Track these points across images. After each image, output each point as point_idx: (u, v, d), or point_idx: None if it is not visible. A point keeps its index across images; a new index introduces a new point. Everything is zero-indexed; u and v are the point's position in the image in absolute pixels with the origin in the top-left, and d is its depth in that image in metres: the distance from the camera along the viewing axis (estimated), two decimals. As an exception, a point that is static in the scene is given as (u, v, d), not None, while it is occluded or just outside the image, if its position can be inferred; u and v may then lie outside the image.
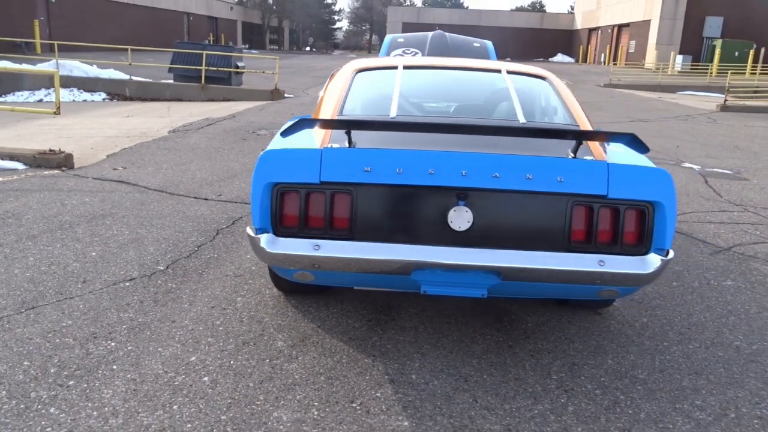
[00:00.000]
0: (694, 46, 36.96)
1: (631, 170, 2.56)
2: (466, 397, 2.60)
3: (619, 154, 2.81)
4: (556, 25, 56.86)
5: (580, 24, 54.17)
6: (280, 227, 2.61)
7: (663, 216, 2.54)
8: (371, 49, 71.24)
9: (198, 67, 16.41)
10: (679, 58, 34.27)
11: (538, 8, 73.79)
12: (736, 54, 32.34)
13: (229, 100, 16.28)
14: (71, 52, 23.34)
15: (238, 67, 17.62)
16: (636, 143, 2.51)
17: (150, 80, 16.92)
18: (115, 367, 2.69)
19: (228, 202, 5.55)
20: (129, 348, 2.86)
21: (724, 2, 36.60)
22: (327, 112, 3.21)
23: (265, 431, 2.31)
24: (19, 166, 6.83)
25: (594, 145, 2.83)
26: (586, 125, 3.14)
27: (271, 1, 63.46)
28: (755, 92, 21.20)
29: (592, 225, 2.56)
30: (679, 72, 32.55)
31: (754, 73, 26.74)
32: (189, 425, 2.31)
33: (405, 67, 3.60)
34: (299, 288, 3.43)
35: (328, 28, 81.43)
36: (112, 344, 2.89)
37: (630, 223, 2.56)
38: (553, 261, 2.51)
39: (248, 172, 6.84)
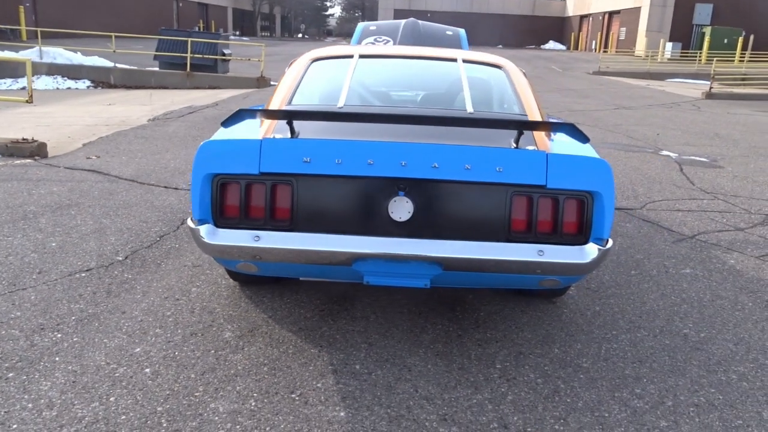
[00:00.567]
0: (683, 34, 36.94)
1: (570, 160, 2.56)
2: (407, 387, 2.61)
3: (563, 144, 2.81)
4: (547, 12, 56.69)
5: (571, 11, 54.02)
6: (221, 218, 2.61)
7: (601, 206, 2.54)
8: (363, 36, 70.71)
9: (183, 55, 16.32)
10: (669, 45, 34.24)
11: (531, -6, 73.39)
12: (726, 41, 32.33)
13: (215, 87, 16.21)
14: (60, 39, 23.19)
15: (224, 54, 17.53)
16: (575, 132, 2.51)
17: (135, 68, 16.80)
18: (57, 358, 2.69)
19: (197, 192, 5.52)
20: (74, 339, 2.86)
21: (714, -11, 36.59)
22: (276, 102, 3.20)
23: (200, 422, 2.31)
24: (-9, 155, 6.79)
25: (539, 135, 2.83)
26: (535, 115, 3.14)
27: (262, -12, 63.04)
28: (743, 80, 21.22)
29: (532, 215, 2.56)
30: (668, 59, 32.54)
31: (743, 61, 26.74)
32: (123, 417, 2.32)
33: (361, 56, 3.58)
34: (254, 279, 3.43)
35: (320, 15, 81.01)
36: (59, 336, 2.89)
37: (569, 213, 2.56)
38: (493, 251, 2.51)
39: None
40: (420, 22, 6.49)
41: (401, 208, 2.54)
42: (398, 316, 3.26)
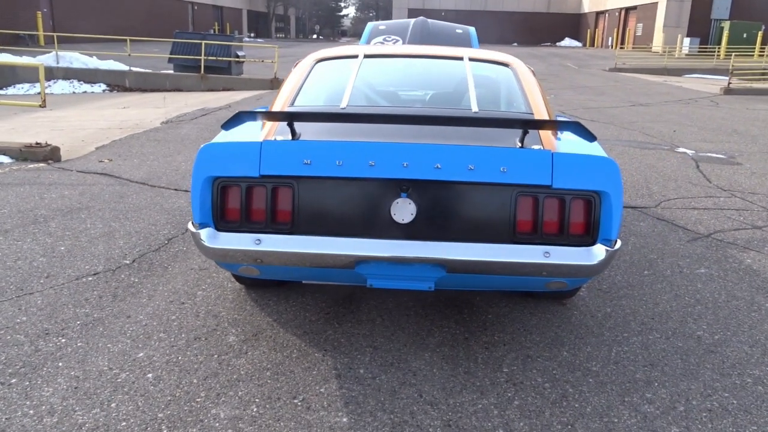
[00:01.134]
0: (701, 29, 36.44)
1: (576, 159, 2.50)
2: (412, 391, 2.56)
3: (570, 143, 2.75)
4: (563, 9, 56.23)
5: (587, 7, 53.56)
6: (222, 222, 2.58)
7: (609, 206, 2.48)
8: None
9: (197, 57, 16.39)
10: (687, 40, 33.83)
11: (546, -8, 72.91)
12: (745, 36, 31.86)
13: (228, 89, 16.26)
14: (75, 43, 23.39)
15: (238, 56, 17.58)
16: (581, 131, 2.45)
17: (150, 71, 16.92)
18: (60, 364, 2.68)
19: (207, 194, 5.51)
20: (79, 344, 2.85)
21: (732, -17, 36.10)
22: (279, 104, 3.17)
23: (201, 429, 2.29)
24: (6, 159, 6.85)
25: (545, 134, 2.77)
26: (541, 114, 3.07)
27: (276, -11, 63.22)
28: (762, 74, 20.87)
29: (538, 216, 2.51)
30: (686, 55, 32.15)
31: (762, 55, 26.33)
32: (124, 423, 2.29)
33: (366, 56, 3.54)
34: (259, 281, 3.41)
35: (334, 16, 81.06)
36: (63, 341, 2.88)
37: (575, 214, 2.50)
38: (498, 253, 2.46)
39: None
40: (429, 20, 6.45)
41: (404, 210, 2.49)
42: (404, 318, 3.21)
